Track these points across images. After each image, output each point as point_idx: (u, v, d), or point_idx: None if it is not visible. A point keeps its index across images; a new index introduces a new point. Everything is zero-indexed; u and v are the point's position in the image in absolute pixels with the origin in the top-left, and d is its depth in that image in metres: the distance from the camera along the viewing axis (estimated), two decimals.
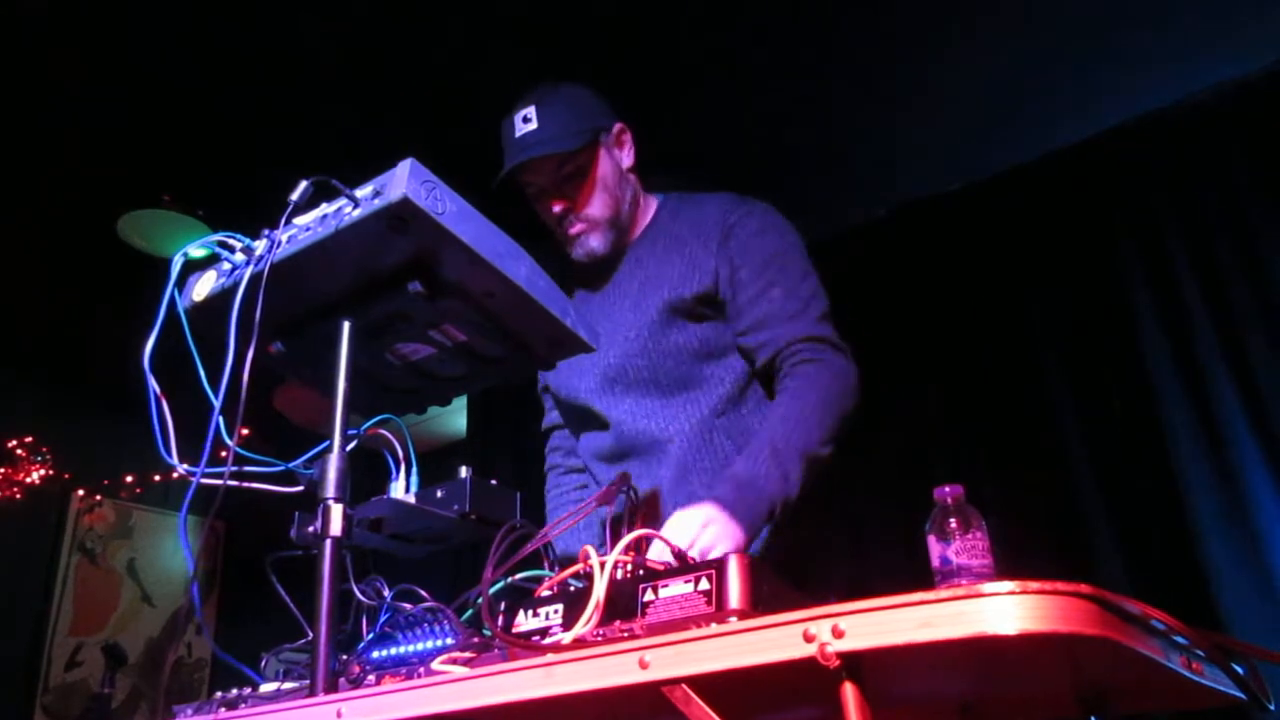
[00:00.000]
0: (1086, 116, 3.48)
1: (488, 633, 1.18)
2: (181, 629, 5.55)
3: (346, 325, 1.33)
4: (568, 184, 1.80)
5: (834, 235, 4.02)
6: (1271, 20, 3.08)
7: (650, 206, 1.94)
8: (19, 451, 4.91)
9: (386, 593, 1.38)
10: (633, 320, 1.81)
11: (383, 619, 1.34)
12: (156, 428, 1.30)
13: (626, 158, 1.90)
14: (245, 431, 1.25)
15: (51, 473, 4.99)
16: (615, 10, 3.09)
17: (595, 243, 1.84)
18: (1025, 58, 3.27)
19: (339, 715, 1.07)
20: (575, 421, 1.96)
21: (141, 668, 5.23)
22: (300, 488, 1.39)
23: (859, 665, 0.79)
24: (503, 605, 1.14)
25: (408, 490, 1.50)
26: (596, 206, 1.82)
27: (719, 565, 0.96)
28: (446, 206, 1.24)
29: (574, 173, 1.79)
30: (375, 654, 1.29)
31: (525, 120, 1.76)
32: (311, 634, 1.20)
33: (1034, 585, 0.75)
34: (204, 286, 1.37)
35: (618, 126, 1.90)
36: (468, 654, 1.17)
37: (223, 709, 1.35)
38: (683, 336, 1.78)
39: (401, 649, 1.27)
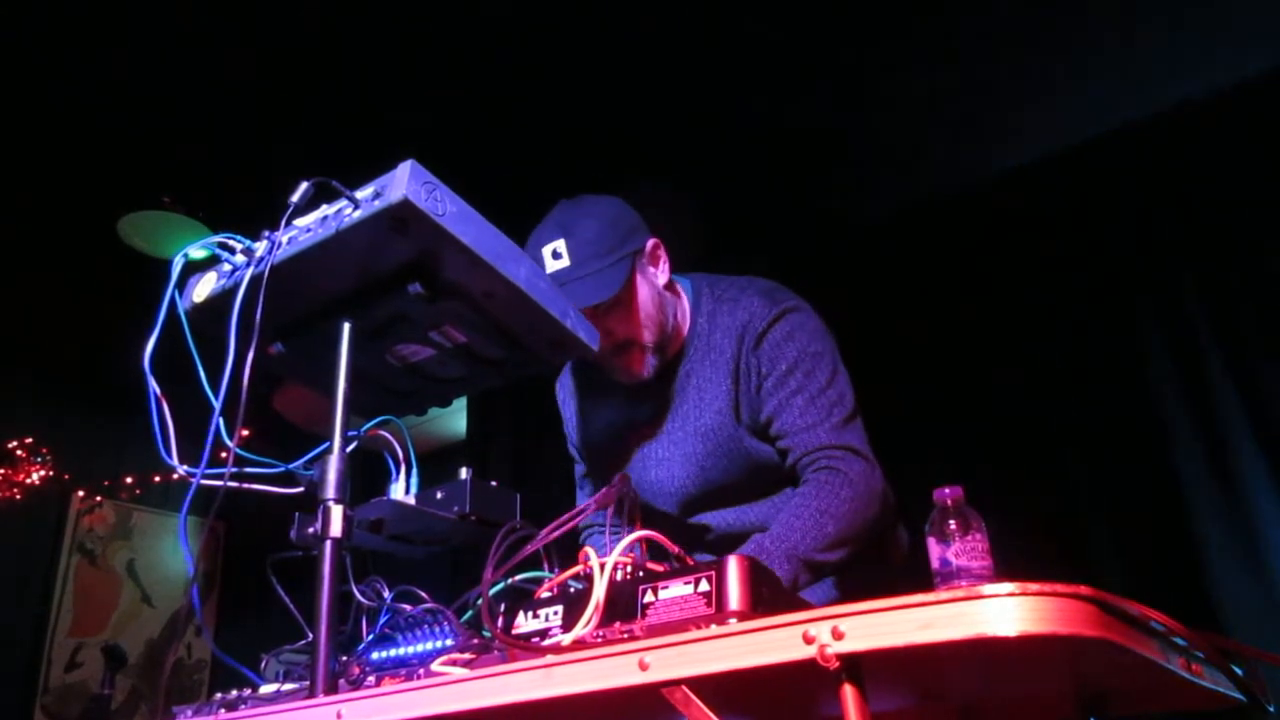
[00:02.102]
0: (1087, 118, 3.48)
1: (487, 634, 1.18)
2: (181, 630, 5.54)
3: (347, 326, 1.33)
4: (607, 316, 1.72)
5: (834, 235, 4.03)
6: (1272, 20, 3.08)
7: (685, 309, 1.86)
8: (19, 452, 4.91)
9: (386, 594, 1.38)
10: (704, 450, 1.79)
11: (382, 620, 1.34)
12: (157, 429, 1.30)
13: (662, 274, 1.83)
14: (245, 432, 1.25)
15: (51, 473, 4.98)
16: (619, 8, 3.09)
17: (641, 369, 1.79)
18: (1025, 58, 3.28)
19: (339, 717, 1.07)
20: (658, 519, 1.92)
21: (141, 669, 5.22)
22: (300, 489, 1.39)
23: (859, 667, 0.79)
24: (503, 606, 1.14)
25: (408, 491, 1.50)
26: (639, 334, 1.75)
27: (719, 567, 0.96)
28: (447, 208, 1.24)
29: (612, 305, 1.71)
30: (375, 655, 1.29)
31: (556, 256, 1.68)
32: (311, 635, 1.20)
33: (1033, 587, 0.75)
34: (204, 288, 1.37)
35: (650, 243, 1.81)
36: (468, 655, 1.18)
37: (222, 710, 1.35)
38: (759, 454, 1.77)
39: (401, 650, 1.27)
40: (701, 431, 1.79)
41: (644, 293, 1.76)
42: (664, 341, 1.80)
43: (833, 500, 1.60)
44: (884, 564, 1.83)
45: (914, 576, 1.80)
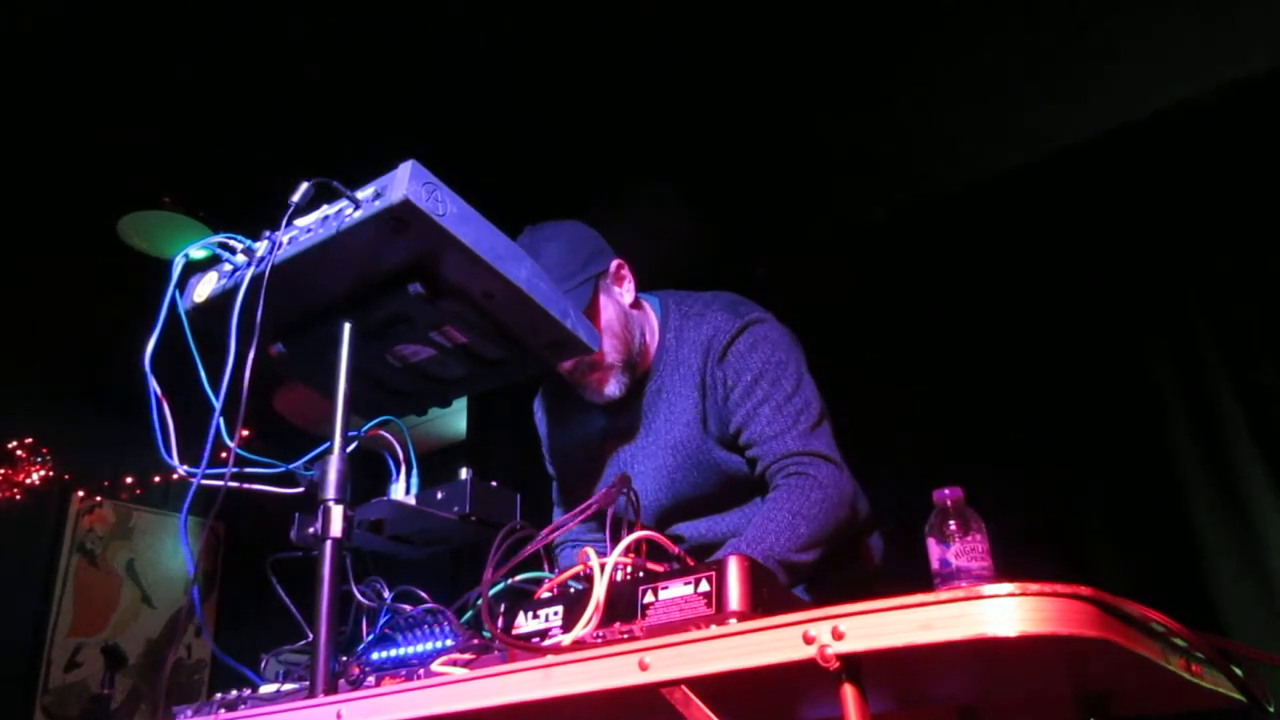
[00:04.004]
0: (1087, 118, 3.48)
1: (487, 634, 1.18)
2: (181, 630, 5.54)
3: (347, 327, 1.33)
4: None
5: (835, 235, 4.03)
6: (1272, 21, 3.08)
7: (654, 327, 1.89)
8: (19, 452, 4.91)
9: (386, 594, 1.38)
10: (675, 463, 1.82)
11: (382, 620, 1.34)
12: (157, 429, 1.30)
13: (628, 293, 1.86)
14: (246, 433, 1.25)
15: (51, 474, 4.99)
16: (616, 9, 3.09)
17: (611, 389, 1.81)
18: (1026, 59, 3.28)
19: (339, 717, 1.07)
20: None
21: (141, 669, 5.22)
22: (301, 489, 1.39)
23: (859, 667, 0.79)
24: (503, 607, 1.14)
25: (408, 492, 1.50)
26: (607, 354, 1.78)
27: (719, 567, 0.96)
28: (447, 208, 1.24)
29: None
30: (375, 655, 1.29)
31: None
32: (311, 635, 1.20)
33: (1033, 587, 0.75)
34: (205, 288, 1.38)
35: (614, 264, 1.84)
36: (468, 655, 1.18)
37: (222, 710, 1.35)
38: (728, 465, 1.80)
39: (401, 650, 1.27)
40: (672, 444, 1.82)
41: (609, 313, 1.79)
42: (632, 359, 1.83)
43: (804, 502, 1.62)
44: (857, 570, 1.86)
45: (888, 582, 1.82)
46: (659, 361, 1.86)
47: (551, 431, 2.03)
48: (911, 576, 1.07)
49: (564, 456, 2.01)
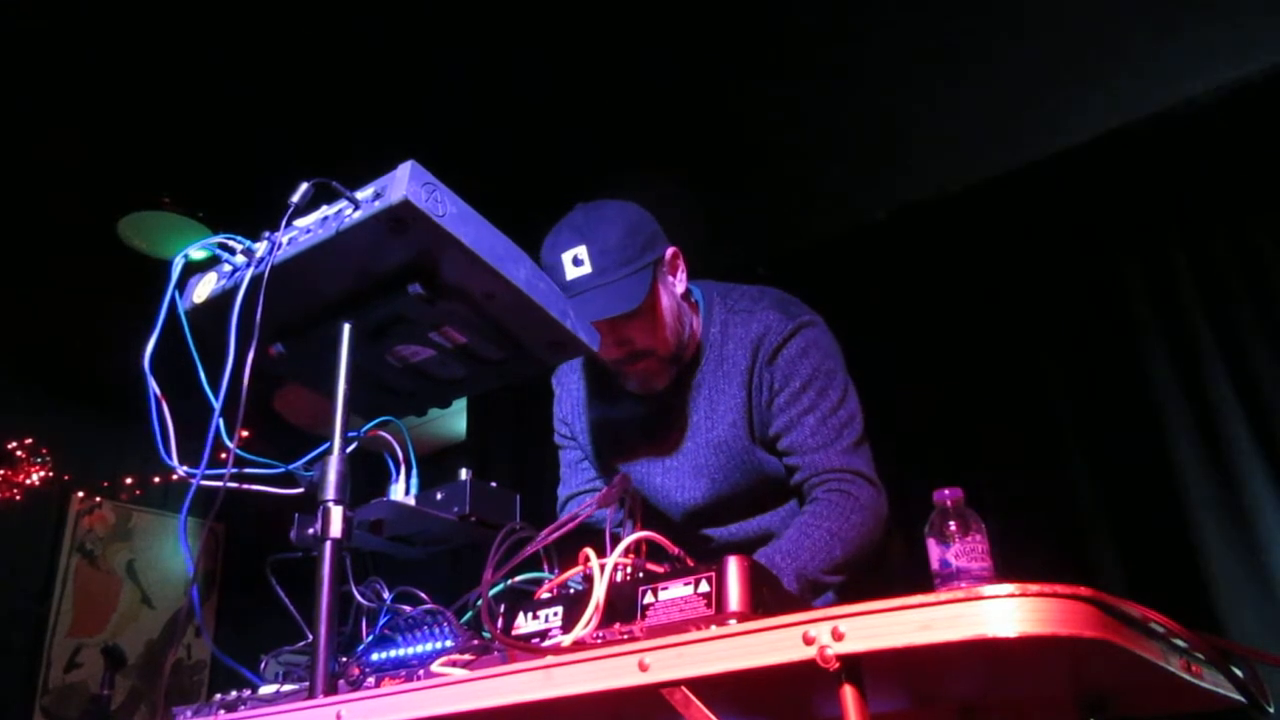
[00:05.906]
0: (1086, 119, 3.48)
1: (487, 635, 1.18)
2: (181, 631, 5.54)
3: (347, 327, 1.33)
4: (628, 325, 1.70)
5: (834, 235, 4.03)
6: (1272, 20, 3.08)
7: (698, 319, 1.85)
8: (19, 453, 4.91)
9: (386, 595, 1.38)
10: (717, 462, 1.80)
11: (382, 621, 1.34)
12: (156, 429, 1.30)
13: (680, 283, 1.81)
14: (245, 433, 1.25)
15: (51, 474, 4.98)
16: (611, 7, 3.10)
17: (658, 380, 1.79)
18: (1025, 59, 3.28)
19: (338, 718, 1.07)
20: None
21: (141, 669, 5.22)
22: (300, 490, 1.39)
23: (859, 668, 0.79)
24: (502, 607, 1.14)
25: (407, 492, 1.50)
26: (658, 344, 1.74)
27: (719, 568, 0.96)
28: (447, 209, 1.24)
29: (634, 315, 1.68)
30: (375, 656, 1.29)
31: (576, 263, 1.65)
32: (311, 636, 1.20)
33: (1033, 588, 0.75)
34: (204, 288, 1.37)
35: (670, 252, 1.79)
36: (467, 656, 1.18)
37: (222, 711, 1.35)
38: (769, 467, 1.79)
39: (401, 651, 1.27)
40: (714, 444, 1.79)
41: (664, 302, 1.74)
42: (680, 351, 1.80)
43: (843, 524, 1.61)
44: (883, 570, 1.84)
45: (911, 581, 1.81)
46: (702, 356, 1.82)
47: (587, 407, 1.96)
48: (913, 577, 1.07)
49: (591, 433, 1.95)
